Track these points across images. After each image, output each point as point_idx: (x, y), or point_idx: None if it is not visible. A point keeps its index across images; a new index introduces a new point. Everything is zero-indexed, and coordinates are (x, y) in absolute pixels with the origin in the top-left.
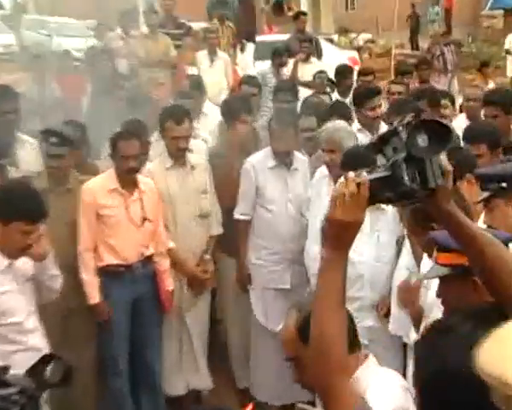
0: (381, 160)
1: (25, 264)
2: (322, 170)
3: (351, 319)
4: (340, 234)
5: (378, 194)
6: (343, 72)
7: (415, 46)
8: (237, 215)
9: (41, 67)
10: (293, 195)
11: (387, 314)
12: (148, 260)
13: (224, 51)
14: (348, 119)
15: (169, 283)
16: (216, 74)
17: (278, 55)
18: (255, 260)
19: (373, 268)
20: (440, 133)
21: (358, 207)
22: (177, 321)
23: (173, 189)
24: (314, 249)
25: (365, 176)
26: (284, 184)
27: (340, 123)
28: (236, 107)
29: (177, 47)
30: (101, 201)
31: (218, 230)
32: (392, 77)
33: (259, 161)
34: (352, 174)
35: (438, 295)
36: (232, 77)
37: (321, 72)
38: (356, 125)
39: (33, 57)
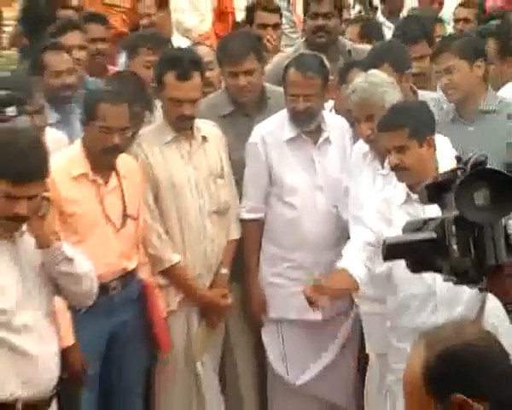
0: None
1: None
2: (362, 145)
3: None
4: None
5: (427, 260)
6: None
7: None
8: (244, 213)
9: None
10: (324, 180)
11: None
12: (130, 277)
13: None
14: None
15: (163, 309)
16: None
17: None
18: (271, 277)
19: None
20: (508, 189)
21: None
22: (187, 373)
23: (176, 172)
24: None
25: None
26: (310, 165)
27: (376, 74)
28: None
29: None
30: (64, 193)
31: (238, 231)
32: None
33: (271, 131)
34: None
35: None
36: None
37: None
38: None
39: None
